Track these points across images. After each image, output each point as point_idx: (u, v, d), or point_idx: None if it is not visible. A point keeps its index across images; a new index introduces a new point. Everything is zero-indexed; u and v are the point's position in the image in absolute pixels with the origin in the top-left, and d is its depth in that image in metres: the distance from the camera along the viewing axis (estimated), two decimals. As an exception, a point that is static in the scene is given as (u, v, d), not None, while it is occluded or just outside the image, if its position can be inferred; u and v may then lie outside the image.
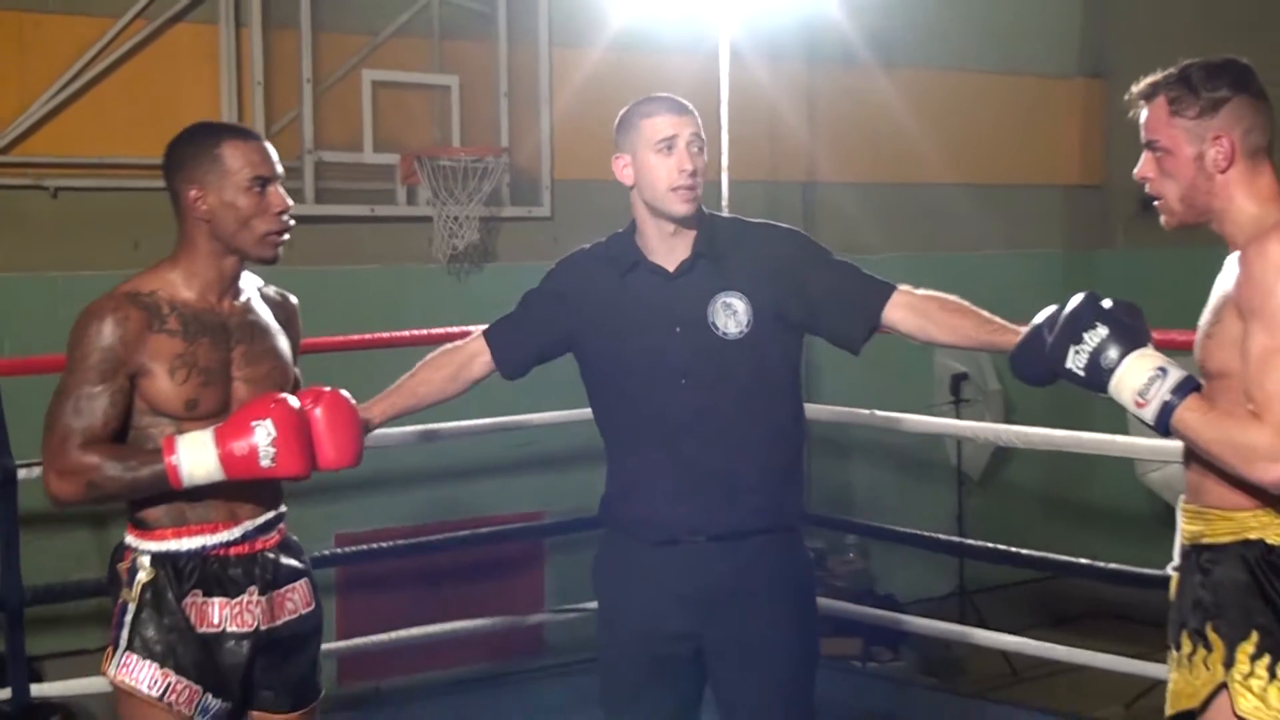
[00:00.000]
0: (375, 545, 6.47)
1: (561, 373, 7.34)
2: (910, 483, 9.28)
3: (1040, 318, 3.12)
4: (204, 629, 3.00)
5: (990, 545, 6.94)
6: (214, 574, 3.04)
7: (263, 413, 2.93)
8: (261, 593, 3.08)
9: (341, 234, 7.72)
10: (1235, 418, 2.67)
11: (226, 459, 2.90)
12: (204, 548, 3.03)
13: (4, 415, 5.22)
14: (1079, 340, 2.79)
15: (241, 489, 3.06)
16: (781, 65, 8.72)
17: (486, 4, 8.07)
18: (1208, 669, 2.80)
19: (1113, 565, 6.04)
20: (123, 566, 3.05)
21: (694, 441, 3.56)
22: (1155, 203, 2.94)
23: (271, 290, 3.30)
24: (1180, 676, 2.87)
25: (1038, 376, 3.00)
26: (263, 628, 3.07)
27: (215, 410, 3.06)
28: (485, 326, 3.99)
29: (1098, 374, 2.78)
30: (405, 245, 7.89)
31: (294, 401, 2.99)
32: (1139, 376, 2.72)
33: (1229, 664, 2.77)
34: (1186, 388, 2.71)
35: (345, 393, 3.12)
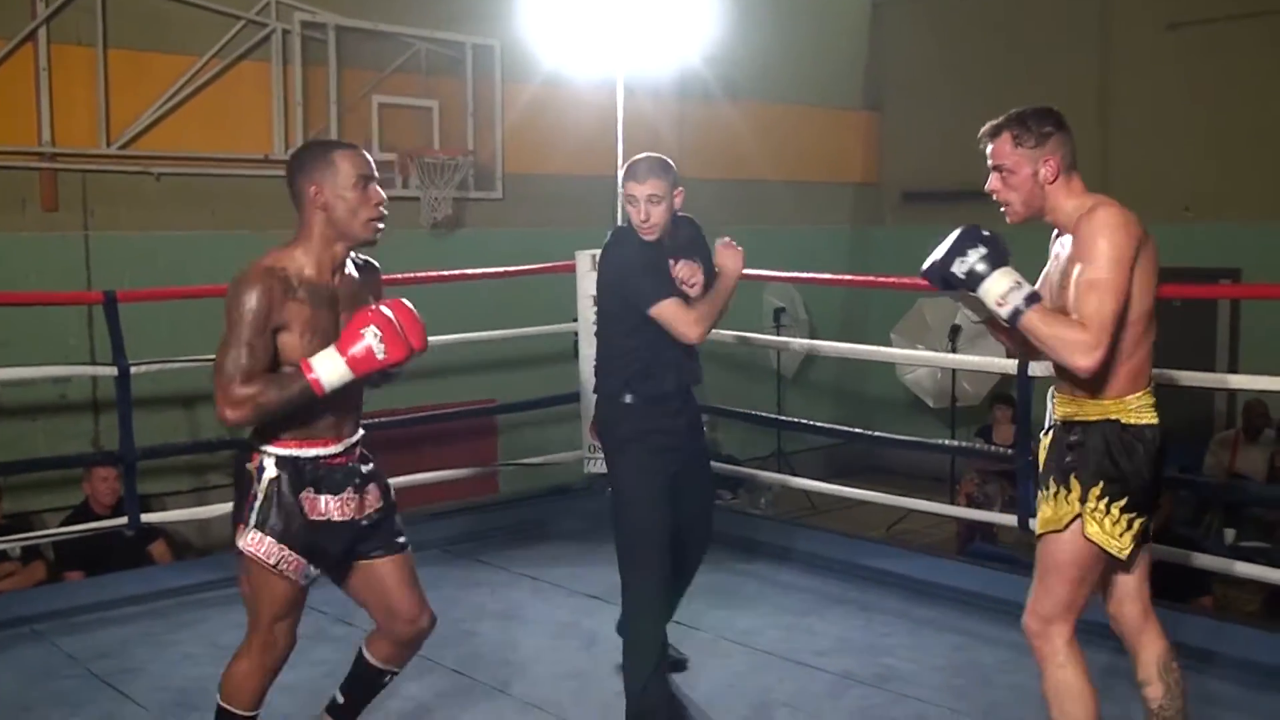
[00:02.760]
0: (380, 420, 6.44)
1: (513, 301, 7.30)
2: (746, 379, 9.37)
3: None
4: (314, 516, 2.90)
5: (798, 420, 7.02)
6: (323, 476, 2.92)
7: (365, 320, 2.81)
8: (355, 491, 2.98)
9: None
10: (1066, 321, 2.70)
11: (352, 362, 2.77)
12: (317, 457, 2.92)
13: (121, 329, 5.12)
14: (964, 254, 2.78)
15: (342, 415, 2.96)
16: (661, 99, 8.75)
17: (459, 51, 8.04)
18: (1068, 504, 2.84)
19: (880, 434, 6.10)
20: (252, 465, 2.91)
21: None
22: (1003, 208, 2.94)
23: (360, 259, 3.17)
24: (1048, 508, 2.89)
25: (932, 278, 2.90)
26: (356, 517, 2.98)
27: None
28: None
29: (973, 278, 2.77)
30: (400, 216, 7.78)
31: (384, 309, 2.87)
32: (1002, 285, 2.73)
33: (1083, 500, 2.83)
34: (1034, 299, 2.74)
35: (407, 301, 3.00)
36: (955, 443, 7.92)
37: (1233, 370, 8.85)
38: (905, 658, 4.33)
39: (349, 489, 2.97)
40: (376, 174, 3.04)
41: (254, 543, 2.88)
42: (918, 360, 8.75)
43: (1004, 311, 2.74)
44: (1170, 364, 4.88)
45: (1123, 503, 2.81)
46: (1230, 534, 7.21)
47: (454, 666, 4.20)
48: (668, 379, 3.77)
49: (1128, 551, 2.84)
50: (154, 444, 5.75)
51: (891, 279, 6.60)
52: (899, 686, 4.06)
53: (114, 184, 6.84)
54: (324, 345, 2.83)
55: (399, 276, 6.33)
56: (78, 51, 6.66)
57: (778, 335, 9.10)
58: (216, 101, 7.13)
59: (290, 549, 2.88)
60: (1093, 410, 2.86)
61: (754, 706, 3.91)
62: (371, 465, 3.10)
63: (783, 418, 8.18)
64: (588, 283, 6.25)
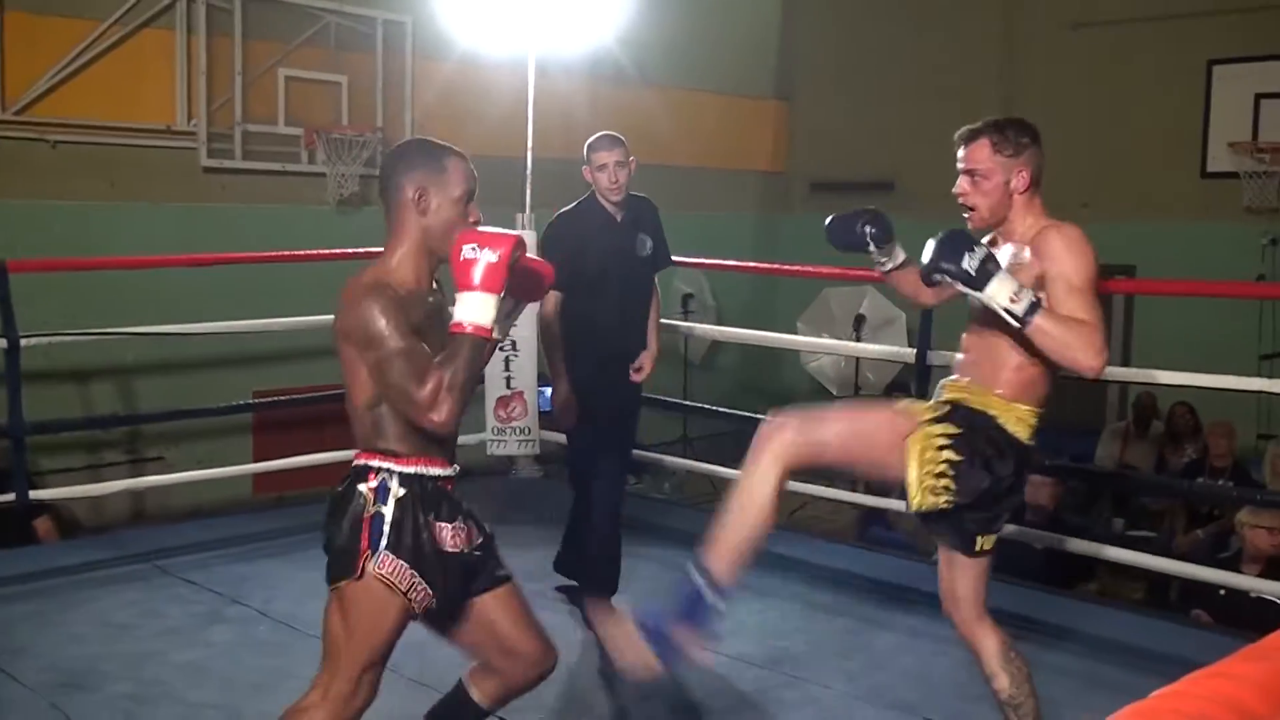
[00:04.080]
0: (280, 398, 6.41)
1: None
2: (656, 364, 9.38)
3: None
4: (439, 545, 2.61)
5: (704, 406, 7.06)
6: (442, 499, 2.65)
7: (456, 251, 2.49)
8: (464, 520, 2.69)
9: (262, 183, 7.61)
10: (1077, 322, 2.70)
11: (481, 285, 2.47)
12: (439, 476, 2.63)
13: (10, 298, 4.96)
14: (972, 251, 2.74)
15: (453, 434, 2.66)
16: (573, 79, 8.70)
17: (369, 25, 7.96)
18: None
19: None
20: (370, 487, 2.58)
21: None
22: (968, 213, 2.94)
23: None
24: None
25: (939, 270, 2.82)
26: (465, 549, 2.67)
27: None
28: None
29: (984, 274, 2.72)
30: (307, 192, 7.79)
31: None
32: (1013, 285, 2.71)
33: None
34: (1041, 303, 2.73)
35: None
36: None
37: (1125, 364, 9.11)
38: (799, 641, 4.40)
39: (459, 517, 2.70)
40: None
41: (385, 565, 2.55)
42: (821, 348, 8.87)
43: (1017, 309, 2.70)
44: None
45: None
46: (1119, 523, 7.42)
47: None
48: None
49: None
50: (45, 419, 5.63)
51: (798, 267, 6.67)
52: (791, 669, 4.12)
53: (8, 150, 6.68)
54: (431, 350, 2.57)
55: (302, 253, 6.29)
56: (-28, 13, 6.49)
57: (685, 320, 9.15)
58: (117, 69, 6.99)
59: (419, 575, 2.59)
60: (977, 401, 2.90)
61: (646, 688, 3.95)
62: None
63: (688, 403, 8.23)
64: (495, 264, 6.24)
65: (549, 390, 8.45)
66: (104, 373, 6.93)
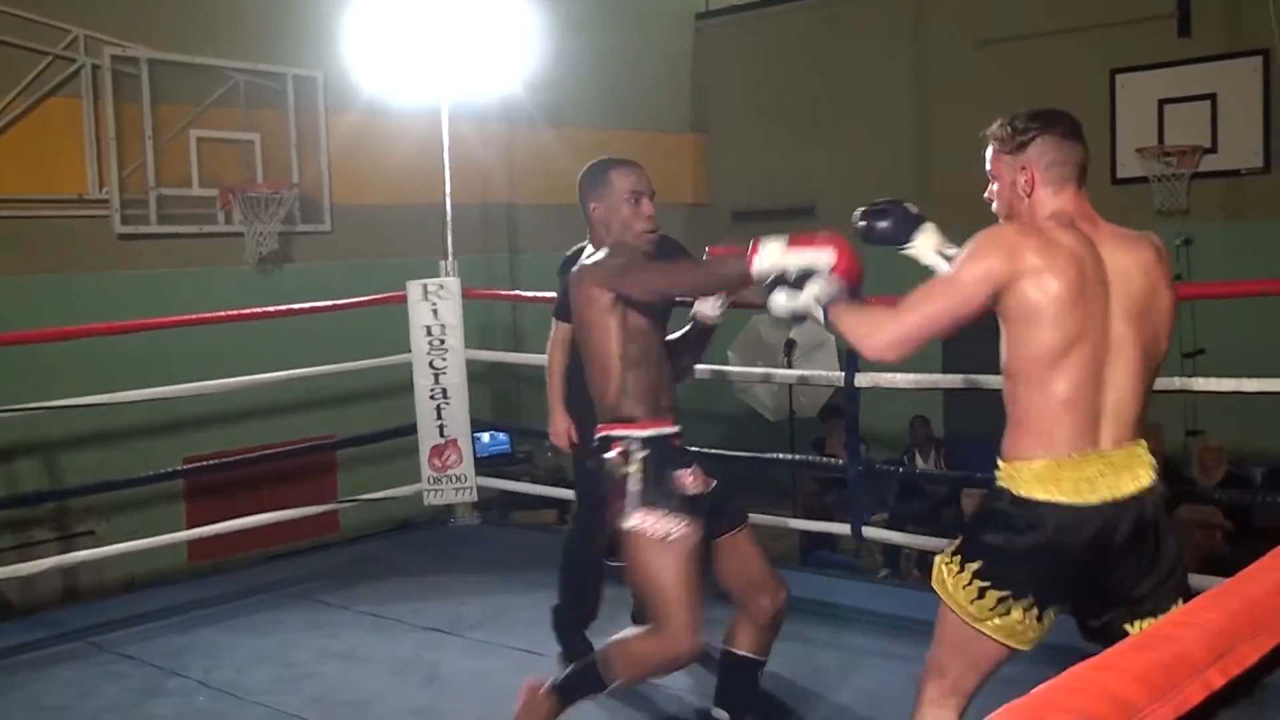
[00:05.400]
0: (213, 461, 6.33)
1: (347, 335, 7.18)
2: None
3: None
4: (685, 490, 3.06)
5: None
6: (676, 454, 3.11)
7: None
8: (698, 466, 3.15)
9: (178, 246, 7.54)
10: (884, 310, 2.55)
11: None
12: (669, 435, 3.10)
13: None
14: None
15: (674, 396, 3.22)
16: (487, 126, 8.72)
17: (279, 82, 7.93)
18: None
19: (719, 451, 6.15)
20: (617, 454, 3.04)
21: None
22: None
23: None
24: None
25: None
26: (704, 490, 3.11)
27: None
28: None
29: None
30: (225, 253, 7.72)
31: None
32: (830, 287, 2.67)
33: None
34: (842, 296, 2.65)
35: None
36: (790, 456, 8.08)
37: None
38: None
39: (693, 463, 3.13)
40: (649, 190, 3.33)
41: (641, 520, 2.98)
42: (754, 377, 8.91)
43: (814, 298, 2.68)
44: (991, 368, 5.09)
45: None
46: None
47: (294, 712, 4.12)
48: None
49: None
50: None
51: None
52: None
53: (-85, 230, 6.56)
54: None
55: (223, 314, 6.23)
56: None
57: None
58: (24, 140, 6.90)
59: (675, 519, 2.99)
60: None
61: (588, 717, 3.94)
62: None
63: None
64: (420, 313, 6.22)
65: (485, 436, 8.42)
66: (30, 449, 6.80)
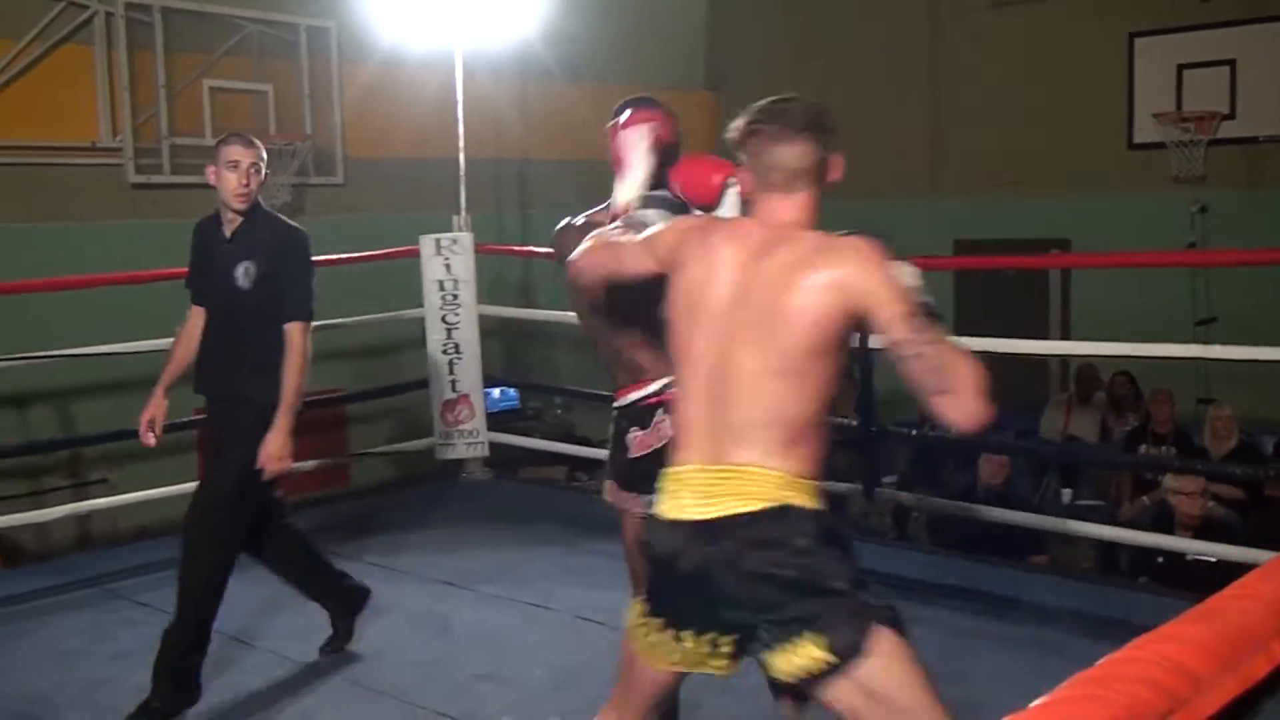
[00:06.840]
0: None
1: (359, 288, 7.18)
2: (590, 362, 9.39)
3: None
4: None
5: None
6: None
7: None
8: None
9: (193, 197, 7.45)
10: None
11: None
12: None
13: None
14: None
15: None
16: (501, 79, 8.67)
17: (292, 33, 7.89)
18: None
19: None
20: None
21: None
22: None
23: None
24: None
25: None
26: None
27: None
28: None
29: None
30: (239, 204, 7.66)
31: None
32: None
33: None
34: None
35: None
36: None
37: (1065, 337, 9.24)
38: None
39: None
40: None
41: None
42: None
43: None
44: (1006, 333, 5.10)
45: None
46: (1067, 494, 7.52)
47: (302, 659, 4.15)
48: None
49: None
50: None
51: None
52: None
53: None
54: None
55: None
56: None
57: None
58: (37, 87, 6.87)
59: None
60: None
61: (610, 684, 3.96)
62: None
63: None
64: (433, 267, 6.22)
65: (495, 391, 8.43)
66: (42, 397, 6.82)
